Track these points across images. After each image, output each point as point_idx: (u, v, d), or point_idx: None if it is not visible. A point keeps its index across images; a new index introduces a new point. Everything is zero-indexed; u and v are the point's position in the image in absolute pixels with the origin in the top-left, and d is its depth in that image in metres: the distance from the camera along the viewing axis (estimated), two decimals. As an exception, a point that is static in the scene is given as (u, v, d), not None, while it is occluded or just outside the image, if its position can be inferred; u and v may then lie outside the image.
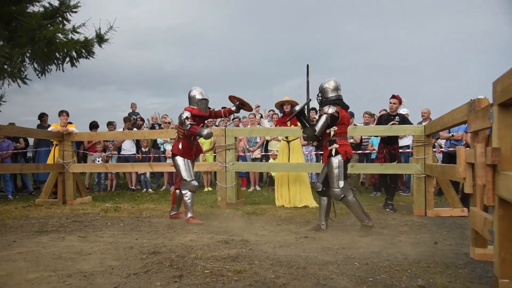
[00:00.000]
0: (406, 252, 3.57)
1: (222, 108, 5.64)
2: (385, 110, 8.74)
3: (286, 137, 6.95)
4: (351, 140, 8.24)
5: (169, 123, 9.85)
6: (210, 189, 9.19)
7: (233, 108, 5.41)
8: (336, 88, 4.47)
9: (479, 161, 2.62)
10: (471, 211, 3.29)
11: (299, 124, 6.91)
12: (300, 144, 7.14)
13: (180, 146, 5.25)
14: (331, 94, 4.44)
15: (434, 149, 7.11)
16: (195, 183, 5.25)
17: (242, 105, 5.37)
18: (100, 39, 6.36)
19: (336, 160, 4.34)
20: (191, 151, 5.31)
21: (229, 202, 6.67)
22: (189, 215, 5.16)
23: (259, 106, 10.73)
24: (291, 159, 6.84)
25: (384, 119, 6.49)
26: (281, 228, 4.78)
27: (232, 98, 5.42)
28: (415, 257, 3.39)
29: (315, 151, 8.77)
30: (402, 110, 8.32)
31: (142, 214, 6.06)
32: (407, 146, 8.12)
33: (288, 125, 6.79)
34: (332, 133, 4.38)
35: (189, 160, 5.29)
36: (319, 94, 4.53)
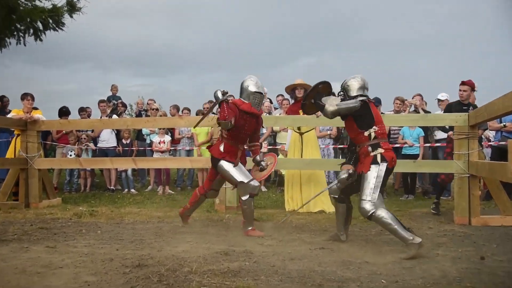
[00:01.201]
0: (445, 269, 3.56)
1: None
2: (420, 94, 8.72)
3: (299, 128, 6.94)
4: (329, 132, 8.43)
5: (157, 109, 9.87)
6: (206, 190, 9.20)
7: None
8: (363, 87, 4.44)
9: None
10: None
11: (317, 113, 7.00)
12: (315, 136, 7.14)
13: (221, 148, 5.10)
14: (356, 93, 4.41)
15: (480, 143, 7.08)
16: (255, 182, 5.07)
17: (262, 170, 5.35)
18: (72, 7, 6.36)
19: (380, 168, 4.20)
20: (235, 157, 5.13)
21: (229, 205, 6.69)
22: (249, 227, 5.02)
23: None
24: (304, 155, 6.84)
25: (454, 109, 6.51)
26: (292, 238, 4.79)
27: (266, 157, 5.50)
28: (456, 275, 3.38)
29: (333, 144, 8.76)
30: (441, 95, 8.31)
31: (123, 219, 6.09)
32: (443, 140, 8.09)
33: (301, 113, 6.78)
34: (373, 134, 4.28)
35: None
36: (342, 93, 4.51)
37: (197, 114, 9.54)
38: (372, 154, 4.24)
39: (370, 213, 4.10)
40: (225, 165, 5.06)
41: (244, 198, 5.01)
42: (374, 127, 4.28)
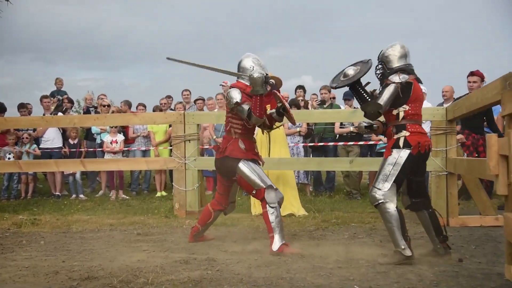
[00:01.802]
0: (421, 273, 3.66)
1: None
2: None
3: (266, 124, 6.97)
4: (351, 128, 8.37)
5: (109, 106, 9.72)
6: (164, 193, 9.16)
7: (274, 114, 4.91)
8: (405, 55, 4.26)
9: (514, 152, 2.70)
10: (506, 218, 3.37)
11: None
12: (284, 133, 7.19)
13: (241, 146, 4.68)
14: (397, 64, 4.22)
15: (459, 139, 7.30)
16: (280, 192, 4.74)
17: (283, 110, 4.79)
18: (8, -11, 6.16)
19: (401, 154, 4.07)
20: (254, 151, 4.83)
21: (189, 210, 6.67)
22: (280, 241, 4.44)
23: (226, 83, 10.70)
24: (272, 153, 6.88)
25: None
26: (259, 243, 4.81)
27: (275, 96, 4.88)
28: (432, 279, 3.49)
29: (303, 142, 8.84)
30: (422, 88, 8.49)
31: (70, 228, 5.99)
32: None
33: (269, 109, 6.81)
34: (401, 114, 4.13)
35: (257, 163, 4.80)
36: (380, 66, 4.30)
37: (154, 110, 9.45)
38: (395, 137, 4.15)
39: (378, 202, 4.07)
40: (248, 166, 4.64)
41: (273, 205, 4.56)
42: (404, 105, 4.13)
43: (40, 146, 9.31)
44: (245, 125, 4.67)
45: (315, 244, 4.72)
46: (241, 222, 6.14)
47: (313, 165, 7.55)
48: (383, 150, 8.12)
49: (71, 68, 49.84)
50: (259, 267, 3.85)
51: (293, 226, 5.88)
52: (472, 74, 6.67)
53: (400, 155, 4.07)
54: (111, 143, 9.07)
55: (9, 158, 8.96)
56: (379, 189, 4.07)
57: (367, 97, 4.18)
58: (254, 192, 4.67)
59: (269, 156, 6.86)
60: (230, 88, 4.75)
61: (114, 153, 9.02)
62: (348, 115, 7.11)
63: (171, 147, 7.32)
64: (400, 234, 4.02)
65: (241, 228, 5.78)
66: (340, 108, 8.78)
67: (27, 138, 9.20)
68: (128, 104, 9.90)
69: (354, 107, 8.34)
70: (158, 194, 9.20)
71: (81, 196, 9.13)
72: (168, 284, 3.36)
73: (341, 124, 8.51)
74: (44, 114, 9.36)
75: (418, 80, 4.26)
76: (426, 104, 8.09)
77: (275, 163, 6.70)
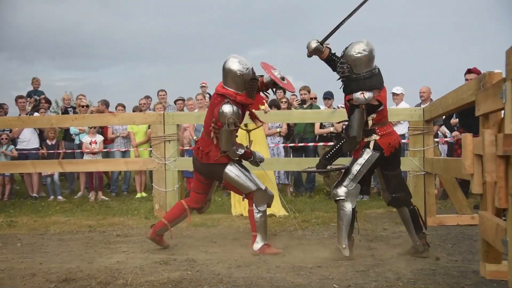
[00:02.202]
0: (399, 271, 3.71)
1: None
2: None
3: (245, 125, 6.97)
4: (332, 129, 8.44)
5: (87, 106, 9.64)
6: (144, 194, 9.12)
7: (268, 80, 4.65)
8: (372, 58, 4.13)
9: (488, 152, 2.76)
10: (481, 216, 3.44)
11: (263, 107, 7.05)
12: (263, 134, 7.21)
13: None
14: (365, 69, 4.09)
15: (436, 139, 7.42)
16: (269, 191, 4.68)
17: (275, 85, 4.68)
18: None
19: (370, 156, 4.13)
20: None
21: (169, 211, 6.63)
22: (262, 242, 4.46)
23: (205, 84, 10.70)
24: (252, 154, 6.89)
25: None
26: (239, 243, 4.84)
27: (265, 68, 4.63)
28: (410, 277, 3.54)
29: (283, 142, 8.88)
30: (396, 89, 8.62)
31: (48, 230, 5.94)
32: (402, 136, 8.39)
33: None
34: (370, 122, 4.15)
35: (242, 165, 4.71)
36: (346, 66, 4.13)
37: (133, 111, 9.38)
38: (365, 140, 4.17)
39: (339, 198, 4.17)
40: (234, 170, 4.54)
41: (261, 208, 4.53)
42: (372, 115, 4.13)
43: (17, 147, 9.18)
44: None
45: (295, 244, 4.74)
46: (221, 222, 6.14)
47: (293, 166, 7.58)
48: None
49: (48, 67, 49.16)
50: (239, 267, 3.86)
51: (273, 226, 5.89)
52: (469, 71, 6.68)
53: (369, 157, 4.14)
54: (90, 143, 8.98)
55: (-15, 159, 8.82)
56: (344, 187, 4.18)
57: (339, 145, 4.24)
58: (243, 195, 4.65)
59: (249, 156, 6.87)
60: (224, 103, 4.37)
61: (94, 154, 8.94)
62: (328, 116, 7.17)
63: (151, 148, 7.28)
64: (346, 234, 4.18)
65: (221, 228, 5.78)
66: (320, 108, 8.84)
67: (5, 139, 9.07)
68: (106, 103, 9.81)
69: (333, 108, 8.41)
70: (138, 195, 9.15)
71: (59, 197, 9.04)
72: (147, 285, 3.35)
73: (321, 124, 8.57)
74: (19, 115, 9.22)
75: (382, 83, 4.20)
76: (403, 105, 8.25)
77: (255, 163, 6.71)
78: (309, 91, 8.95)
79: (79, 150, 9.26)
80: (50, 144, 9.41)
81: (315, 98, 9.16)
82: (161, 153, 6.69)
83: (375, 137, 4.16)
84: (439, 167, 5.35)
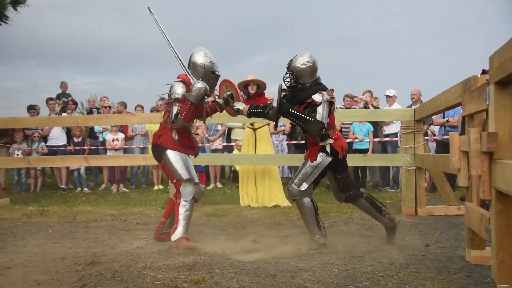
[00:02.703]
0: (393, 257, 3.72)
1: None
2: (370, 91, 8.98)
3: (252, 124, 7.00)
4: None
5: (110, 107, 9.67)
6: (161, 187, 9.14)
7: (220, 101, 4.51)
8: (315, 70, 4.07)
9: (473, 149, 2.76)
10: (467, 207, 3.45)
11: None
12: (268, 132, 7.22)
13: (175, 137, 4.28)
14: (310, 79, 4.04)
15: (426, 137, 7.39)
16: (201, 187, 4.46)
17: (231, 98, 4.49)
18: (16, -1, 6.08)
19: (324, 160, 4.02)
20: (190, 142, 4.44)
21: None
22: (180, 234, 4.12)
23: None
24: (258, 150, 6.91)
25: None
26: (247, 232, 4.85)
27: (226, 86, 4.48)
28: (402, 262, 3.54)
29: (286, 140, 8.88)
30: (389, 92, 8.59)
31: (76, 218, 5.97)
32: (395, 134, 8.38)
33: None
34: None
35: (187, 155, 4.41)
36: (290, 76, 4.08)
37: (151, 111, 9.40)
38: (320, 144, 4.05)
39: (296, 198, 4.09)
40: (171, 155, 4.27)
41: (186, 199, 4.23)
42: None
43: (47, 144, 9.24)
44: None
45: (298, 232, 4.76)
46: (231, 212, 6.15)
47: (295, 161, 7.57)
48: (359, 147, 8.26)
49: (73, 72, 49.30)
50: (247, 253, 3.87)
51: (278, 216, 5.90)
52: (484, 72, 6.68)
53: (323, 161, 4.03)
54: (112, 141, 9.03)
55: (17, 155, 8.89)
56: (297, 187, 4.06)
57: (305, 116, 3.90)
58: (174, 181, 4.36)
59: (255, 152, 6.89)
60: (176, 80, 4.33)
61: (116, 150, 8.99)
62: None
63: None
64: (315, 225, 4.12)
65: (230, 218, 5.80)
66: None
67: (37, 137, 9.14)
68: (124, 104, 9.83)
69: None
70: (155, 187, 9.18)
71: (85, 189, 9.09)
72: (164, 268, 3.37)
73: None
74: (49, 115, 9.29)
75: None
76: (396, 106, 8.23)
77: (261, 159, 6.73)
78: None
79: (102, 147, 9.30)
80: (76, 141, 9.45)
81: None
82: (177, 149, 6.69)
83: (330, 140, 4.03)
84: (428, 162, 5.34)
